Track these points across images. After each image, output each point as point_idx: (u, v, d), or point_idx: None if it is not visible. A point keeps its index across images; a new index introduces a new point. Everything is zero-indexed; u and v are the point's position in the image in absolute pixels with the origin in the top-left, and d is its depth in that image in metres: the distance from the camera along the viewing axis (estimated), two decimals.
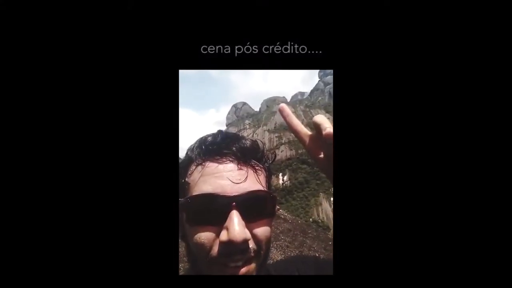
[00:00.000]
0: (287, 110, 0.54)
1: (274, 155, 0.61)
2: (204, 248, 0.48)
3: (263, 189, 0.53)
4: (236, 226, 0.46)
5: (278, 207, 0.58)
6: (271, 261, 0.70)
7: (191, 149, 0.57)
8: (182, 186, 0.54)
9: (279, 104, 0.65)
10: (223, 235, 0.47)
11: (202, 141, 0.57)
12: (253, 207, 0.50)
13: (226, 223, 0.47)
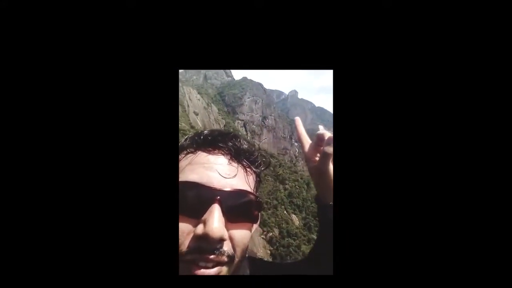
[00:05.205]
0: (300, 122, 0.68)
1: (268, 163, 0.59)
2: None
3: (250, 190, 0.51)
4: (216, 221, 0.43)
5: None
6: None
7: (185, 139, 0.56)
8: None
9: None
10: (199, 229, 0.44)
11: (198, 133, 0.55)
12: (236, 206, 0.47)
13: (205, 216, 0.44)
